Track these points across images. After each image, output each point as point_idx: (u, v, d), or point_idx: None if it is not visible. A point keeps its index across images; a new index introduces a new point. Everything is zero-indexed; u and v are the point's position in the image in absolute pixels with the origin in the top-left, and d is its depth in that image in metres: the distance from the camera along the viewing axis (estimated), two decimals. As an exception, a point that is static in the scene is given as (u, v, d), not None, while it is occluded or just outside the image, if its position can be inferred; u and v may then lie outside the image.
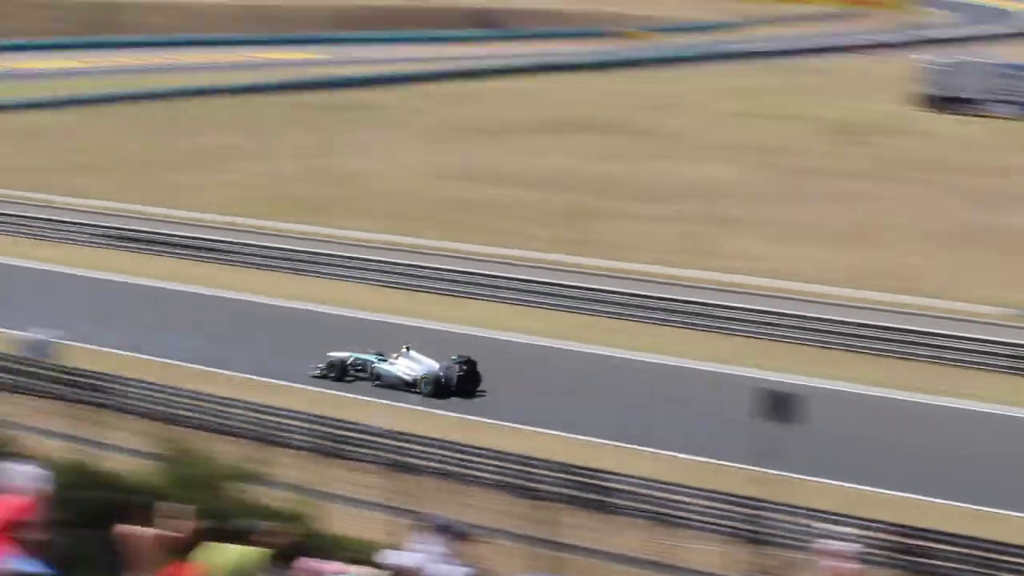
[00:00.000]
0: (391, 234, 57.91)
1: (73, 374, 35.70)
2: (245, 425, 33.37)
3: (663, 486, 29.02)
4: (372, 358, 39.14)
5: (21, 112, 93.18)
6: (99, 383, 35.08)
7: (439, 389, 37.99)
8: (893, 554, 26.09)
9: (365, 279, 51.06)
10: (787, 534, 26.70)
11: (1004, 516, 30.01)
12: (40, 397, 35.11)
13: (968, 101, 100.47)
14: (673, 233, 59.64)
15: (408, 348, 39.09)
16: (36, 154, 77.88)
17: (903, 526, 26.74)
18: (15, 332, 39.96)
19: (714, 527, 27.92)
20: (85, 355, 38.88)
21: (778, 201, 68.23)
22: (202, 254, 54.47)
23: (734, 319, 44.98)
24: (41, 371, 36.41)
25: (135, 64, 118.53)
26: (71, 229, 58.16)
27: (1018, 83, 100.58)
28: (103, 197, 65.42)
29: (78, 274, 51.86)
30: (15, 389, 35.61)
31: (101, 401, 34.29)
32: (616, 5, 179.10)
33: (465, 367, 38.20)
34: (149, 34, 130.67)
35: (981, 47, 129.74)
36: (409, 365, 38.72)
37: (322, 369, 39.18)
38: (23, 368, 36.69)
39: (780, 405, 30.05)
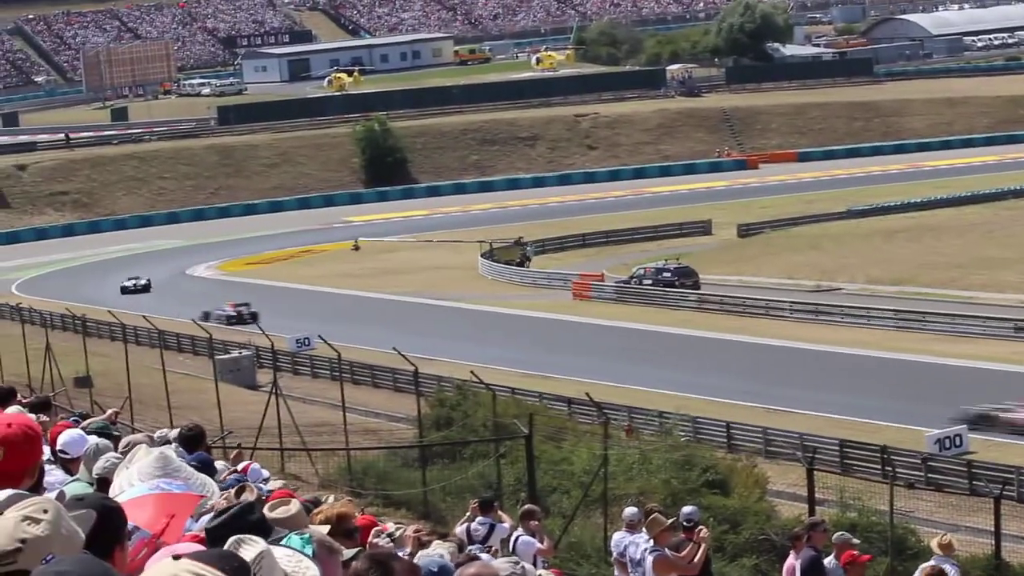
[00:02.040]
0: None
1: (977, 467, 34.89)
2: None
3: None
4: None
5: (925, 210, 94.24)
6: (1007, 477, 34.18)
7: None
8: None
9: None
10: None
11: None
12: (947, 492, 34.46)
13: None
14: None
15: None
16: (942, 250, 77.49)
17: None
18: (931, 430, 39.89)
19: None
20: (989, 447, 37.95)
21: None
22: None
23: None
24: (946, 466, 36.03)
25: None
26: (983, 324, 57.72)
27: None
28: (1013, 290, 64.05)
29: (988, 368, 50.89)
30: (918, 485, 35.12)
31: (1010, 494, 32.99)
32: None
33: None
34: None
35: None
36: None
37: None
38: (930, 464, 36.46)
39: None
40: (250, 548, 4.74)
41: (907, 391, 47.72)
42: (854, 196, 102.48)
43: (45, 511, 4.41)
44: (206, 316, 67.99)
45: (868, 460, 37.67)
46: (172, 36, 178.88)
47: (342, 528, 7.18)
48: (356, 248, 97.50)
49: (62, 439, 9.15)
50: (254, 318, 65.80)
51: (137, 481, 6.03)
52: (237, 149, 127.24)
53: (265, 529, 5.57)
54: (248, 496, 7.17)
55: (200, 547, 4.92)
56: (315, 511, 7.74)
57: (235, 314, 69.17)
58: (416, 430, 40.68)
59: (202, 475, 6.49)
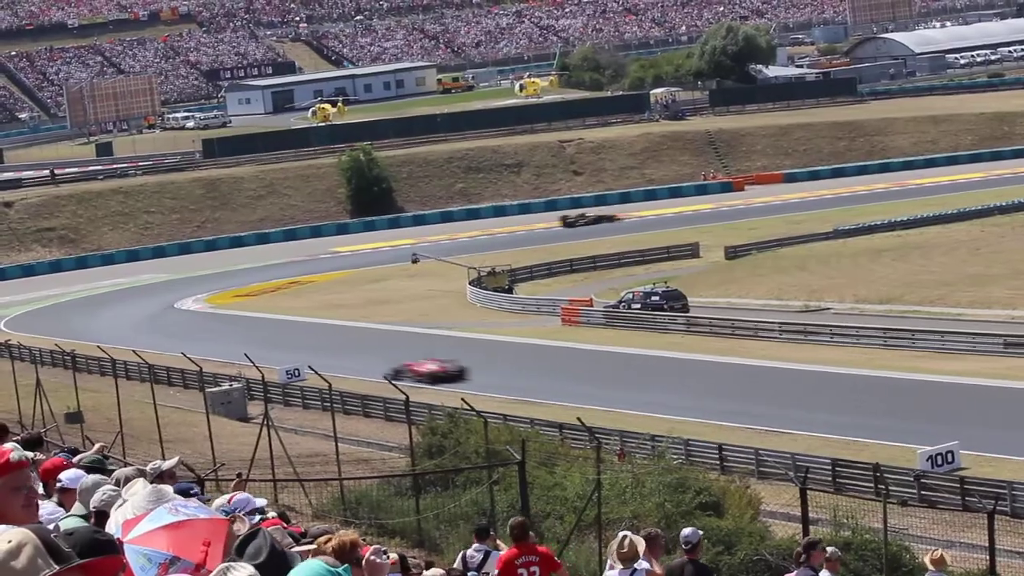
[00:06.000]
0: None
1: (970, 483, 34.91)
2: None
3: None
4: None
5: (911, 229, 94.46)
6: (1000, 492, 34.08)
7: None
8: None
9: None
10: None
11: None
12: (940, 509, 34.44)
13: None
14: None
15: None
16: (929, 268, 77.63)
17: None
18: (923, 447, 39.77)
19: None
20: (981, 463, 37.90)
21: None
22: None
23: None
24: (938, 483, 36.02)
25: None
26: (972, 341, 57.73)
27: None
28: (1001, 306, 64.15)
29: (978, 384, 50.96)
30: (911, 502, 35.13)
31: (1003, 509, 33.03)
32: None
33: None
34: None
35: None
36: None
37: None
38: (923, 481, 36.45)
39: None
40: (237, 572, 4.81)
41: (898, 409, 47.78)
42: (840, 216, 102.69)
43: (9, 541, 4.38)
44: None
45: (861, 478, 37.70)
46: (155, 70, 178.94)
47: (353, 556, 7.27)
48: (415, 261, 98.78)
49: (64, 475, 9.13)
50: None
51: (132, 512, 5.96)
52: (223, 182, 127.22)
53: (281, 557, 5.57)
54: (240, 527, 7.19)
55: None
56: (324, 538, 7.83)
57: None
58: (408, 459, 40.64)
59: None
